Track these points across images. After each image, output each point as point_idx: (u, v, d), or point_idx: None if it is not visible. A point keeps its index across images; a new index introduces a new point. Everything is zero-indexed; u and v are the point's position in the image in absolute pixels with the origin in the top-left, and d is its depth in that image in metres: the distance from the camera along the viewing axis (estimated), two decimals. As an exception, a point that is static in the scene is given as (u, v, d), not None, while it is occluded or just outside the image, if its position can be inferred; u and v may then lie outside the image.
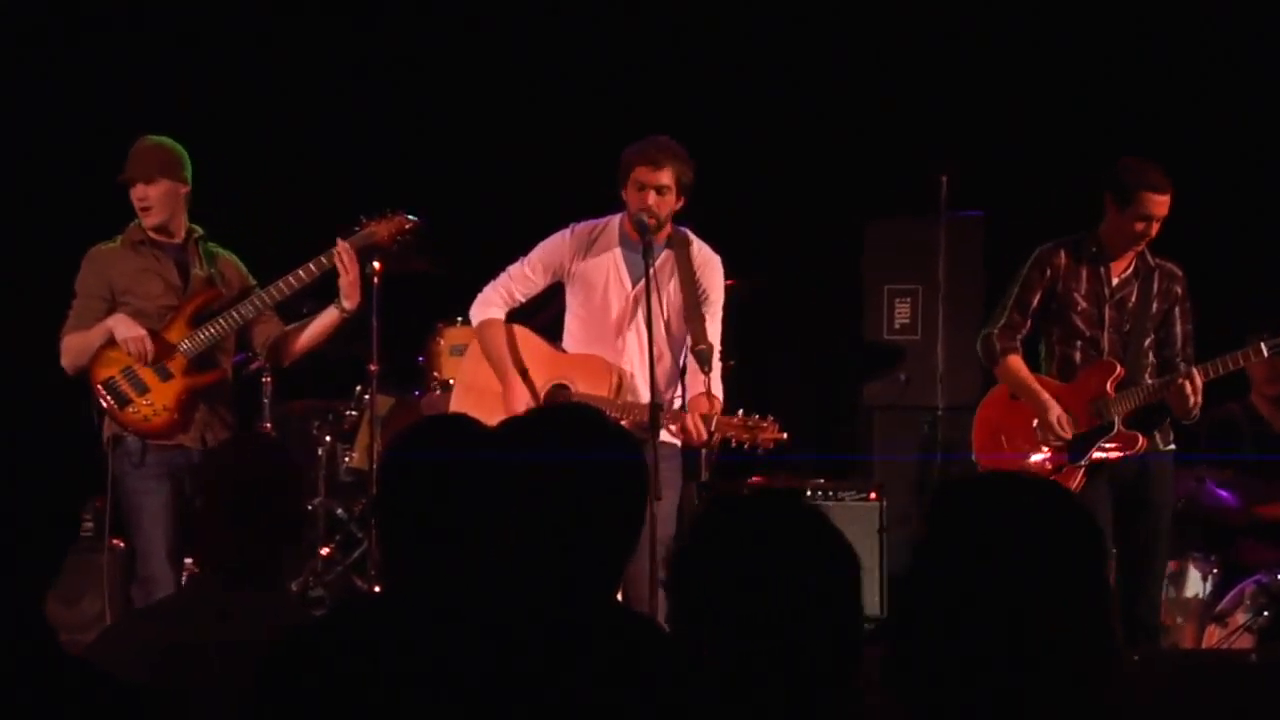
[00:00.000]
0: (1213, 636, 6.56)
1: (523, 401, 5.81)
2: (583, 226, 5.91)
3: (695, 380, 5.76)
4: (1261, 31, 8.07)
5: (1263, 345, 5.91)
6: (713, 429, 5.62)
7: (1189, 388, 5.86)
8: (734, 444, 5.68)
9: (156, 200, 5.73)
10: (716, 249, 5.96)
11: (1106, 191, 5.99)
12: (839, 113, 8.50)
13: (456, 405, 6.13)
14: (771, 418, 5.66)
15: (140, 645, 3.05)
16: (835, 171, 8.48)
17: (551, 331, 6.07)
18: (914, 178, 7.39)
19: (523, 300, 5.98)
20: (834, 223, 8.38)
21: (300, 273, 5.78)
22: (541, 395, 5.89)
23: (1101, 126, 7.92)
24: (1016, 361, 6.14)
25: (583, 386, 5.80)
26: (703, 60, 8.63)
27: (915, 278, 7.97)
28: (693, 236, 5.90)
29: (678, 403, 5.79)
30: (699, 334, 5.73)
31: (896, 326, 8.11)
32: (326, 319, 5.92)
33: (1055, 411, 6.02)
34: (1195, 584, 6.81)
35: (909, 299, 8.08)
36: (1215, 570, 6.81)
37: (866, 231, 8.28)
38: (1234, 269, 7.66)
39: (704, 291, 5.84)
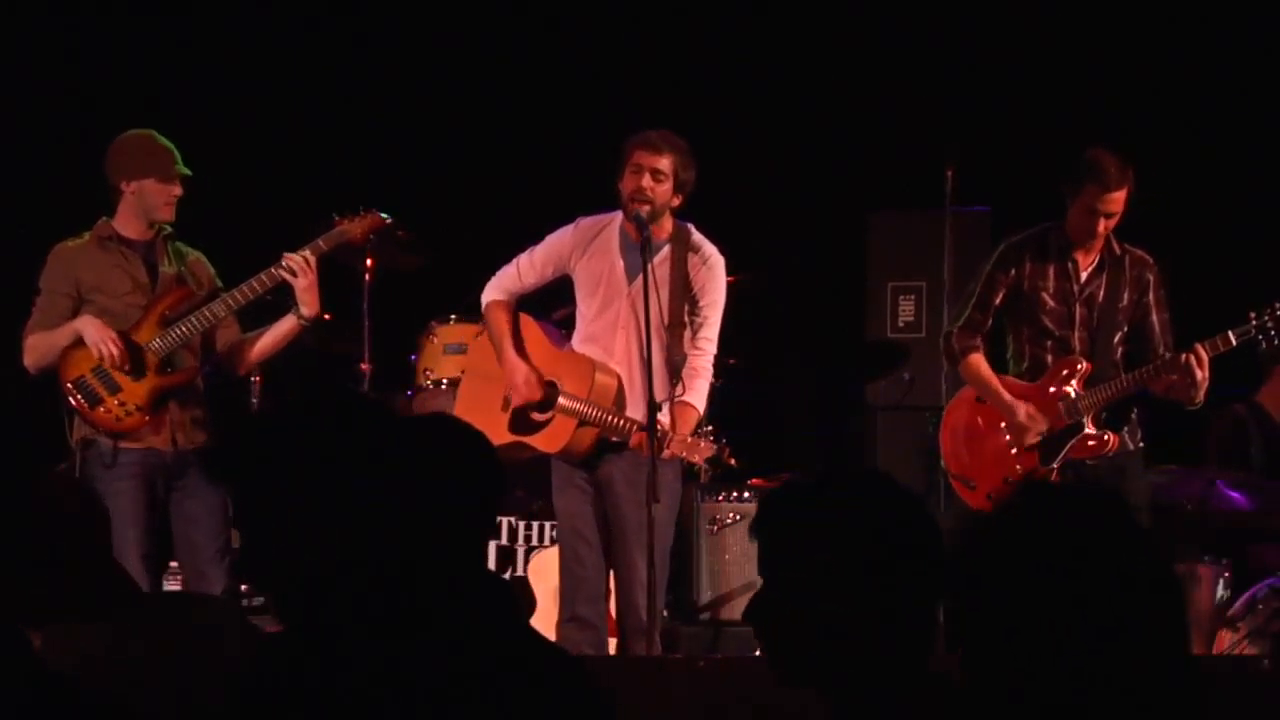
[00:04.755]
0: (1223, 642, 6.48)
1: (520, 375, 5.72)
2: (587, 222, 5.83)
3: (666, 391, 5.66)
4: (1270, 26, 7.99)
5: (1230, 334, 5.78)
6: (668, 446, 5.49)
7: (1193, 362, 5.71)
8: (686, 461, 5.59)
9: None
10: (716, 243, 5.85)
11: (1061, 180, 5.91)
12: (841, 103, 8.41)
13: (464, 390, 6.13)
14: (716, 441, 5.51)
15: None
16: (837, 164, 8.41)
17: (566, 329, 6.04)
18: (919, 171, 7.29)
19: (529, 289, 5.91)
20: (836, 217, 8.31)
21: (255, 283, 5.69)
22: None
23: (1112, 120, 7.83)
24: (978, 360, 6.08)
25: (569, 386, 5.74)
26: (704, 48, 8.56)
27: (920, 274, 7.92)
28: (696, 234, 5.78)
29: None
30: (676, 343, 5.62)
31: (900, 324, 8.06)
32: (284, 327, 5.83)
33: (1023, 409, 5.94)
34: (1206, 588, 6.71)
35: (913, 296, 8.04)
36: (1226, 574, 6.72)
37: (869, 226, 8.20)
38: (1237, 261, 7.57)
39: (696, 295, 5.72)
